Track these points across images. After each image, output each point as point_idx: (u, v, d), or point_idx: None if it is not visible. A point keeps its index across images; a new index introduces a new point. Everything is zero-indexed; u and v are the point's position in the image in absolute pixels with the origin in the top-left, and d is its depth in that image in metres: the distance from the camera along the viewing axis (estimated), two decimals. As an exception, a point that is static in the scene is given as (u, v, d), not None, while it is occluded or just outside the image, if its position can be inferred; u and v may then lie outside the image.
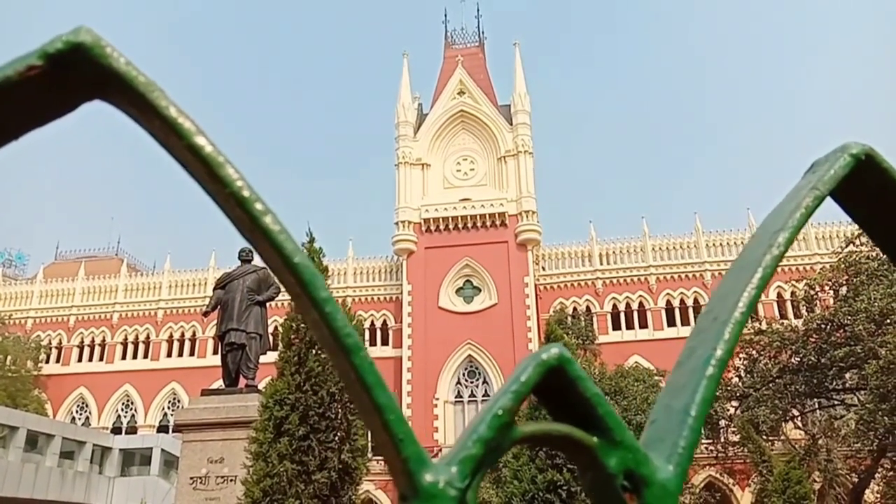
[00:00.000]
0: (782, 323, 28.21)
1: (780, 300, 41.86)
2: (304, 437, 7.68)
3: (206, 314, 12.43)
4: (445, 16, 54.48)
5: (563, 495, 8.12)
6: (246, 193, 0.40)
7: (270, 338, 12.63)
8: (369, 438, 8.53)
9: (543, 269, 45.43)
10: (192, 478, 10.25)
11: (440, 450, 39.61)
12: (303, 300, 0.41)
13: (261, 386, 13.33)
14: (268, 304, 12.22)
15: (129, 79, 0.39)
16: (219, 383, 15.60)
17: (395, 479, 0.41)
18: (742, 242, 43.96)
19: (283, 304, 41.32)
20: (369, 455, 8.55)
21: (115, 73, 0.38)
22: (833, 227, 42.64)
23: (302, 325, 8.31)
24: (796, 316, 34.93)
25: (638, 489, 0.45)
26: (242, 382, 11.62)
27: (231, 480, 9.96)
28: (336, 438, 7.89)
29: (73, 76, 0.38)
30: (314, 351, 8.28)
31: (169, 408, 45.32)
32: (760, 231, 0.58)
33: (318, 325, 0.41)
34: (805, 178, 0.61)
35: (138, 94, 0.39)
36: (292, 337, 8.46)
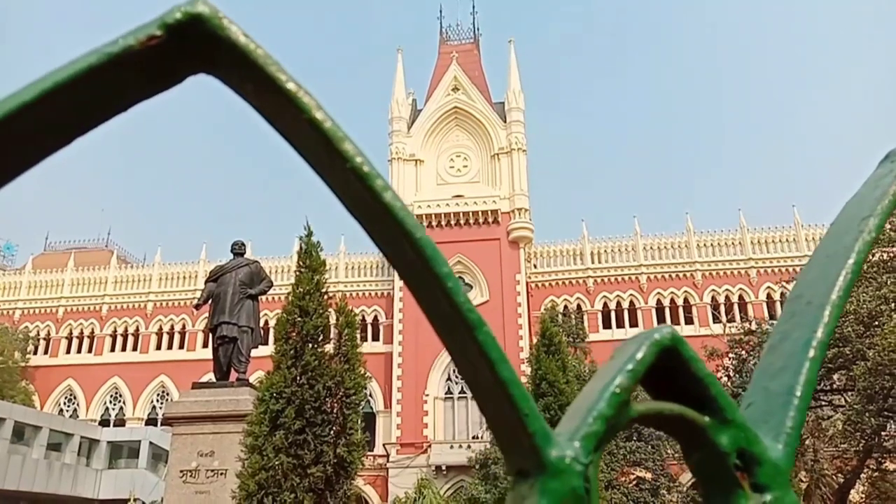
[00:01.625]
0: (772, 323, 28.35)
1: (770, 301, 42.12)
2: (299, 430, 7.68)
3: (197, 307, 12.36)
4: (440, 12, 54.56)
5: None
6: (367, 169, 0.40)
7: (262, 332, 12.59)
8: (365, 433, 8.53)
9: (535, 266, 45.51)
10: (182, 471, 10.21)
11: (429, 445, 39.67)
12: (422, 276, 0.40)
13: (256, 379, 13.31)
14: (260, 298, 12.18)
15: (248, 51, 0.38)
16: (208, 377, 15.56)
17: (512, 456, 0.41)
18: (733, 243, 44.20)
19: (277, 298, 41.33)
20: (364, 450, 8.53)
21: (234, 45, 0.38)
22: (823, 228, 42.91)
23: (298, 319, 8.28)
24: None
25: (749, 467, 0.46)
26: (234, 376, 11.58)
27: (221, 474, 9.93)
28: (331, 432, 7.88)
29: (187, 47, 0.37)
30: (310, 345, 8.27)
31: (157, 401, 45.13)
32: (844, 219, 0.59)
33: (436, 301, 0.40)
34: (885, 167, 0.61)
35: (257, 67, 0.38)
36: (289, 331, 8.43)
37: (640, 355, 0.46)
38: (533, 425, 0.40)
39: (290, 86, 0.39)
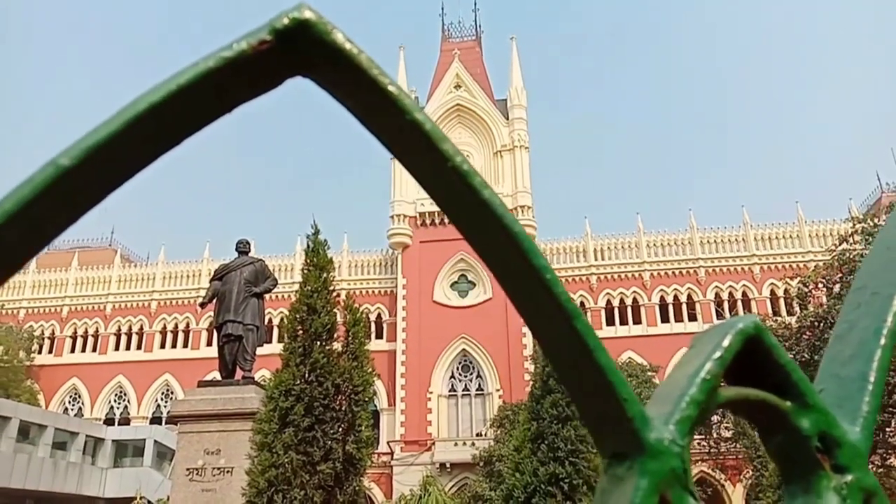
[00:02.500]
0: (775, 320, 28.35)
1: (774, 297, 42.08)
2: (308, 427, 7.71)
3: (203, 305, 12.41)
4: (442, 9, 54.41)
5: (564, 488, 8.16)
6: (466, 167, 0.41)
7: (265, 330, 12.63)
8: (373, 430, 8.56)
9: (538, 264, 45.49)
10: (188, 469, 10.25)
11: (433, 443, 39.73)
12: (519, 268, 0.41)
13: (260, 378, 13.34)
14: (265, 297, 12.21)
15: (352, 56, 0.39)
16: (212, 375, 15.61)
17: (607, 440, 0.43)
18: (736, 239, 44.14)
19: (284, 296, 41.39)
20: (372, 447, 8.57)
21: (339, 50, 0.39)
22: (827, 224, 42.86)
23: (307, 317, 8.32)
24: (789, 313, 35.13)
25: (830, 450, 0.49)
26: (239, 374, 11.62)
27: (228, 472, 9.96)
28: (340, 430, 7.91)
29: (293, 51, 0.39)
30: (319, 343, 8.29)
31: (162, 399, 45.24)
32: None
33: (533, 293, 0.41)
34: None
35: (360, 71, 0.39)
36: (297, 328, 8.46)
37: (726, 343, 0.48)
38: (632, 410, 0.42)
39: (393, 88, 0.40)
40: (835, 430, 0.49)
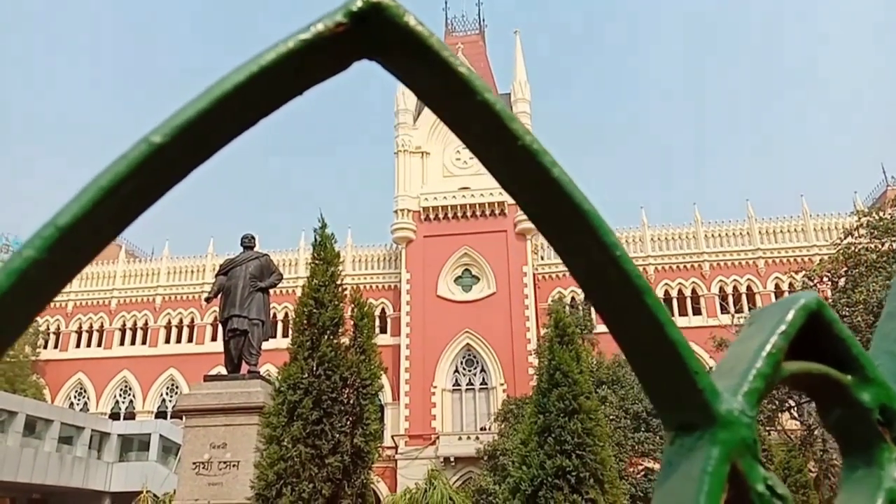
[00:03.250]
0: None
1: (778, 291, 41.99)
2: (317, 421, 7.73)
3: (208, 300, 12.45)
4: (446, 3, 54.23)
5: (571, 481, 8.16)
6: (536, 146, 0.42)
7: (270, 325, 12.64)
8: (381, 423, 8.58)
9: (542, 258, 45.46)
10: (194, 463, 10.29)
11: (437, 437, 39.81)
12: (588, 245, 0.42)
13: (265, 372, 13.38)
14: (270, 291, 12.23)
15: (423, 38, 0.40)
16: (217, 370, 15.66)
17: (674, 412, 0.44)
18: (741, 233, 44.04)
19: (289, 291, 41.50)
20: (380, 440, 8.60)
21: (411, 32, 0.39)
22: (832, 218, 42.72)
23: (314, 311, 8.35)
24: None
25: (891, 422, 0.50)
26: (245, 369, 11.65)
27: (234, 466, 10.01)
28: (348, 423, 7.93)
29: (365, 34, 0.39)
30: (326, 336, 8.31)
31: (167, 394, 45.41)
32: None
33: (603, 269, 0.42)
34: None
35: (432, 53, 0.40)
36: (305, 322, 8.47)
37: (790, 318, 0.49)
38: (702, 382, 0.43)
39: (463, 70, 0.41)
40: (895, 403, 0.50)
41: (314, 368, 8.02)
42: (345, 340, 8.62)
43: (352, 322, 8.77)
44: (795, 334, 0.49)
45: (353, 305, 8.84)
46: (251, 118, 0.38)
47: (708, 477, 0.40)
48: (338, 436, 7.69)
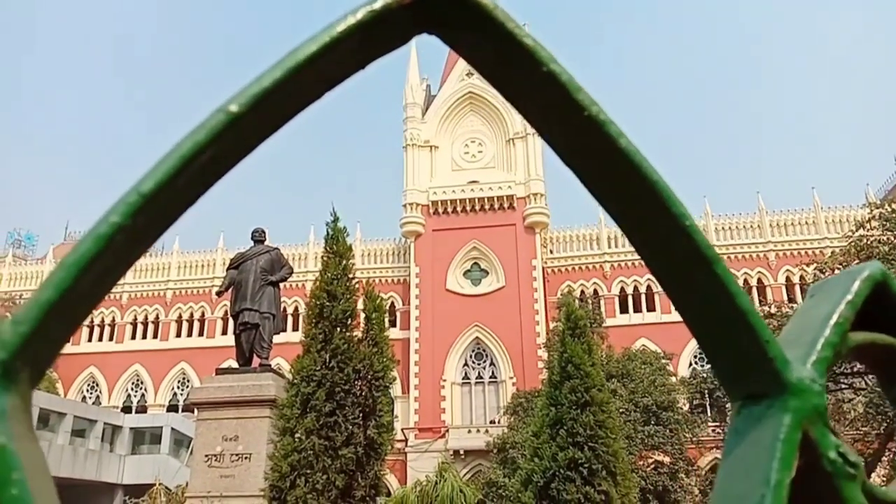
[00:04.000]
0: (791, 307, 28.15)
1: (789, 284, 41.76)
2: (330, 413, 7.77)
3: (219, 294, 12.48)
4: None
5: (583, 472, 8.17)
6: (603, 116, 0.42)
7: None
8: (394, 415, 8.62)
9: (551, 252, 45.38)
10: (206, 455, 10.35)
11: (447, 430, 39.91)
12: (656, 218, 0.42)
13: (276, 364, 13.44)
14: (281, 285, 12.26)
15: (488, 10, 0.40)
16: (228, 363, 15.75)
17: (741, 382, 0.44)
18: (752, 226, 43.80)
19: (298, 285, 41.62)
20: (392, 431, 8.63)
21: (477, 5, 0.39)
22: (844, 210, 42.39)
23: (327, 304, 8.37)
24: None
25: None
26: (256, 362, 11.70)
27: (246, 458, 10.06)
28: (361, 415, 7.97)
29: (430, 7, 0.39)
30: (339, 329, 8.34)
31: (178, 387, 45.72)
32: None
33: (672, 241, 0.42)
34: None
35: (497, 25, 0.40)
36: (318, 315, 8.50)
37: (856, 288, 0.49)
38: (773, 350, 0.43)
39: (529, 41, 0.41)
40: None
41: (327, 361, 8.06)
42: (357, 333, 8.64)
43: (363, 315, 8.79)
44: (861, 305, 0.49)
45: (364, 298, 8.86)
46: (320, 89, 0.38)
47: (781, 444, 0.40)
48: (351, 427, 7.73)
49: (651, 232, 0.43)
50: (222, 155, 0.36)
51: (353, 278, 9.06)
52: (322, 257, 9.66)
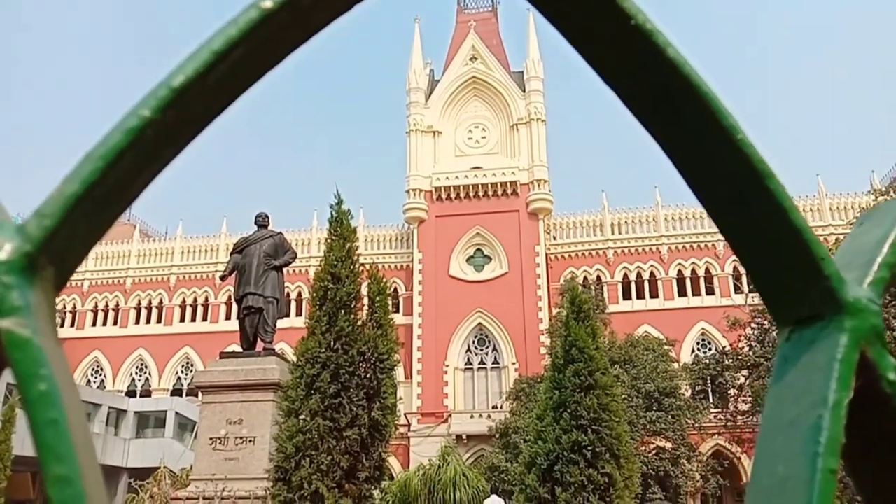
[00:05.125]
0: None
1: (793, 271, 41.66)
2: (335, 394, 7.80)
3: (223, 278, 12.52)
4: (458, -21, 53.55)
5: (587, 455, 8.21)
6: (650, 26, 0.39)
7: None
8: (397, 397, 8.66)
9: (554, 238, 45.34)
10: (211, 438, 10.42)
11: (450, 415, 40.11)
12: (708, 130, 0.40)
13: (280, 349, 13.49)
14: (285, 270, 12.28)
15: None
16: (231, 348, 15.76)
17: (791, 306, 0.42)
18: (755, 213, 43.64)
19: (302, 270, 41.68)
20: (397, 413, 8.68)
21: None
22: (848, 198, 42.23)
23: (331, 286, 8.38)
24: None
25: None
26: (260, 346, 11.74)
27: (250, 441, 10.13)
28: (365, 396, 8.00)
29: None
30: (343, 311, 8.35)
31: (182, 372, 45.96)
32: None
33: (720, 155, 0.40)
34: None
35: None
36: (322, 297, 8.52)
37: None
38: (828, 268, 0.41)
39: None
40: None
41: (332, 343, 8.08)
42: (361, 315, 8.67)
43: (367, 298, 8.81)
44: None
45: (369, 281, 8.87)
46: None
47: (839, 364, 0.38)
48: (355, 409, 7.77)
49: (699, 146, 0.41)
50: (255, 55, 0.34)
51: (358, 261, 9.07)
52: (326, 240, 9.65)
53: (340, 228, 9.20)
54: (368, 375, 8.13)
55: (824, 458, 0.35)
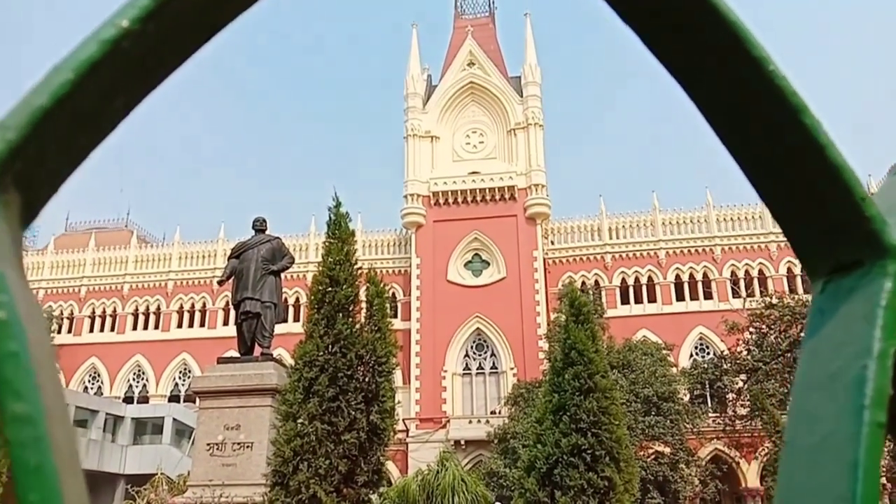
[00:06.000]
0: (793, 297, 28.11)
1: (791, 275, 41.73)
2: (333, 398, 7.76)
3: (221, 283, 12.48)
4: (455, -15, 53.68)
5: (587, 459, 8.18)
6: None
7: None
8: (395, 401, 8.62)
9: (552, 243, 45.35)
10: (208, 444, 10.37)
11: (448, 420, 40.01)
12: (736, 61, 0.37)
13: (278, 355, 13.44)
14: (282, 275, 12.25)
15: None
16: (229, 354, 15.73)
17: (830, 252, 0.39)
18: (753, 217, 43.74)
19: (299, 276, 41.60)
20: (395, 417, 8.63)
21: None
22: (845, 202, 42.23)
23: (329, 289, 8.35)
24: (806, 291, 34.82)
25: None
26: (258, 351, 11.70)
27: (247, 447, 10.08)
28: (364, 400, 7.97)
29: None
30: (342, 314, 8.32)
31: (180, 378, 45.82)
32: None
33: (748, 88, 0.37)
34: None
35: None
36: (320, 300, 8.49)
37: None
38: (870, 210, 0.38)
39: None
40: None
41: (330, 346, 8.05)
42: (360, 319, 8.64)
43: (365, 302, 8.78)
44: None
45: (367, 284, 8.85)
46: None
47: (883, 311, 0.35)
48: (353, 413, 7.73)
49: (726, 79, 0.37)
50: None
51: (356, 264, 9.04)
52: (324, 243, 9.62)
53: (339, 231, 9.18)
54: (367, 379, 8.10)
55: (871, 410, 0.32)
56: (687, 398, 33.07)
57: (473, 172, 45.16)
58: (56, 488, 0.22)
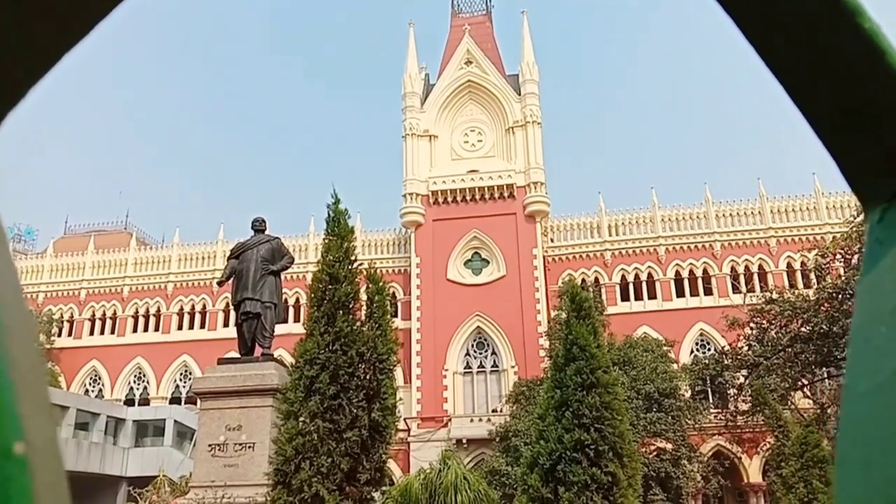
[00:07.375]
0: (793, 292, 28.11)
1: (790, 270, 41.74)
2: (334, 395, 7.75)
3: (220, 283, 12.44)
4: (452, -17, 53.59)
5: (590, 454, 8.16)
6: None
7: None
8: (397, 398, 8.60)
9: (552, 240, 45.33)
10: (210, 445, 10.35)
11: (450, 419, 40.01)
12: None
13: (278, 355, 13.43)
14: (282, 275, 12.22)
15: None
16: (230, 355, 15.70)
17: (891, 173, 0.35)
18: (752, 212, 43.74)
19: (299, 276, 41.58)
20: (397, 415, 8.62)
21: None
22: (845, 196, 42.27)
23: (329, 287, 8.32)
24: (806, 286, 34.82)
25: None
26: (258, 351, 11.68)
27: (249, 447, 10.07)
28: (365, 397, 7.95)
29: None
30: (342, 312, 8.30)
31: (180, 380, 45.78)
32: None
33: None
34: None
35: None
36: (320, 298, 8.47)
37: None
38: None
39: None
40: None
41: (330, 344, 8.03)
42: (360, 316, 8.62)
43: (366, 299, 8.77)
44: None
45: (368, 282, 8.83)
46: None
47: None
48: (355, 410, 7.71)
49: None
50: None
51: (356, 261, 9.02)
52: (323, 241, 9.60)
53: (338, 228, 9.15)
54: (368, 376, 8.08)
55: None
56: (688, 394, 33.07)
57: (472, 171, 45.13)
58: (12, 405, 0.18)
